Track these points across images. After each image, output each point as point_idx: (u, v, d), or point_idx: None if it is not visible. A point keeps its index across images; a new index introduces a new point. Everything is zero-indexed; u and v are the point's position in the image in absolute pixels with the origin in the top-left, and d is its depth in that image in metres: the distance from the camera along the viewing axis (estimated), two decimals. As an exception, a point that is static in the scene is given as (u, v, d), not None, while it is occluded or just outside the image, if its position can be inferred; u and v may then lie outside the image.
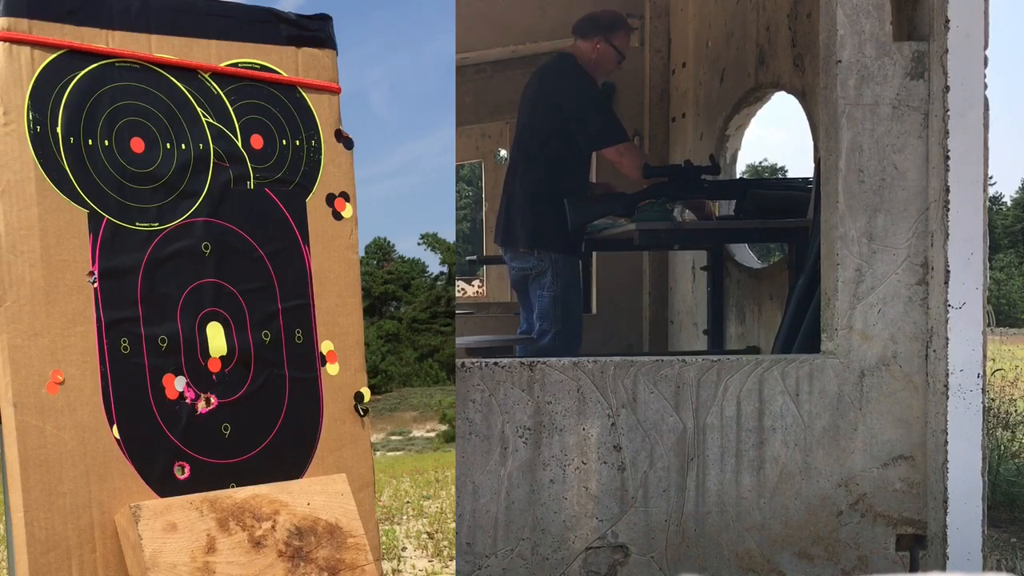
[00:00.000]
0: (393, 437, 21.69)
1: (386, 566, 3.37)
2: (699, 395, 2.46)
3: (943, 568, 2.41)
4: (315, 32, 2.07)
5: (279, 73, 2.02)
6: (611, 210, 4.02)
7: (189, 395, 1.83)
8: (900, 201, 2.50)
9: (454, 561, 2.76)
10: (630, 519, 2.46)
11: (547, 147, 4.01)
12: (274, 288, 1.97)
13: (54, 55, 1.74)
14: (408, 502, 5.10)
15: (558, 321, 4.00)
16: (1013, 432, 4.79)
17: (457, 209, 36.78)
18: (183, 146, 1.88)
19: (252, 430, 1.91)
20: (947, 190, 2.43)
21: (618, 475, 2.45)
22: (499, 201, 4.34)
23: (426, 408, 25.56)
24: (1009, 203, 41.25)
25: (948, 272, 2.42)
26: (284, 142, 2.02)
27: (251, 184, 1.96)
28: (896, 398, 2.50)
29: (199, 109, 1.91)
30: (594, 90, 4.03)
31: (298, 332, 1.99)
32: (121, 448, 1.74)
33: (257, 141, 1.98)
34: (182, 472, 1.81)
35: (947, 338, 2.42)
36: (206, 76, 1.93)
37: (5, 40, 1.69)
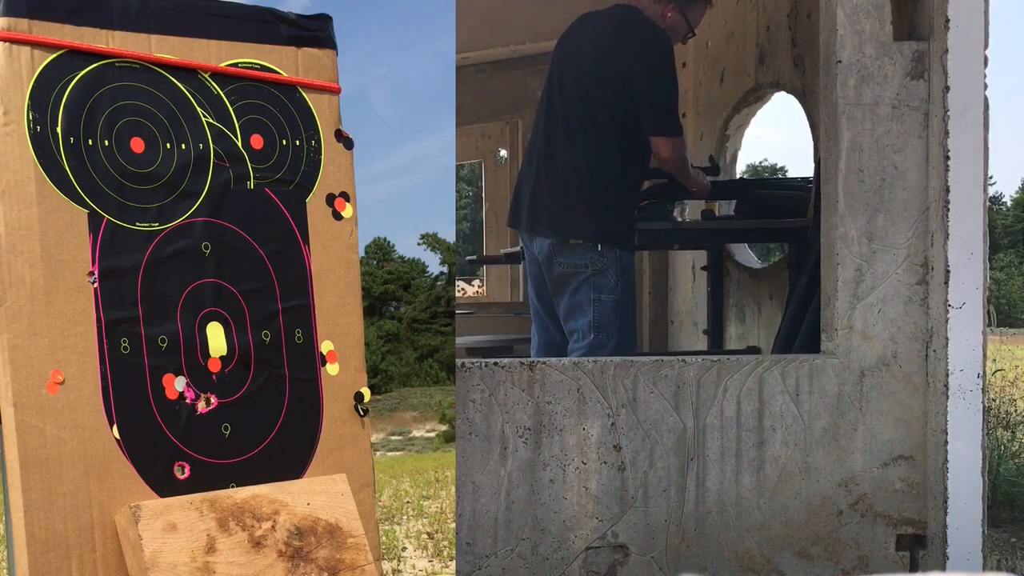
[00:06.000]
0: (393, 437, 21.70)
1: (386, 566, 3.37)
2: (699, 395, 2.46)
3: (943, 568, 2.41)
4: (315, 32, 2.07)
5: (279, 73, 2.02)
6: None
7: (189, 395, 1.83)
8: (900, 201, 2.50)
9: (454, 561, 2.76)
10: (630, 519, 2.46)
11: (617, 115, 3.25)
12: (274, 288, 1.97)
13: (54, 55, 1.74)
14: (408, 502, 5.10)
15: (617, 332, 3.27)
16: (1013, 432, 4.79)
17: (457, 209, 36.82)
18: (183, 146, 1.88)
19: (252, 430, 1.91)
20: (947, 190, 2.43)
21: (618, 475, 2.45)
22: (519, 175, 3.57)
23: (426, 408, 25.57)
24: (1009, 203, 41.27)
25: (948, 272, 2.42)
26: (284, 142, 2.02)
27: (251, 184, 1.96)
28: (896, 398, 2.50)
29: (199, 109, 1.91)
30: (671, 60, 3.32)
31: (298, 332, 1.99)
32: (121, 448, 1.74)
33: (257, 141, 1.98)
34: (182, 472, 1.81)
35: (947, 338, 2.42)
36: (206, 76, 1.93)
37: (5, 40, 1.69)
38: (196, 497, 1.78)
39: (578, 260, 3.26)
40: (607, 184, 3.28)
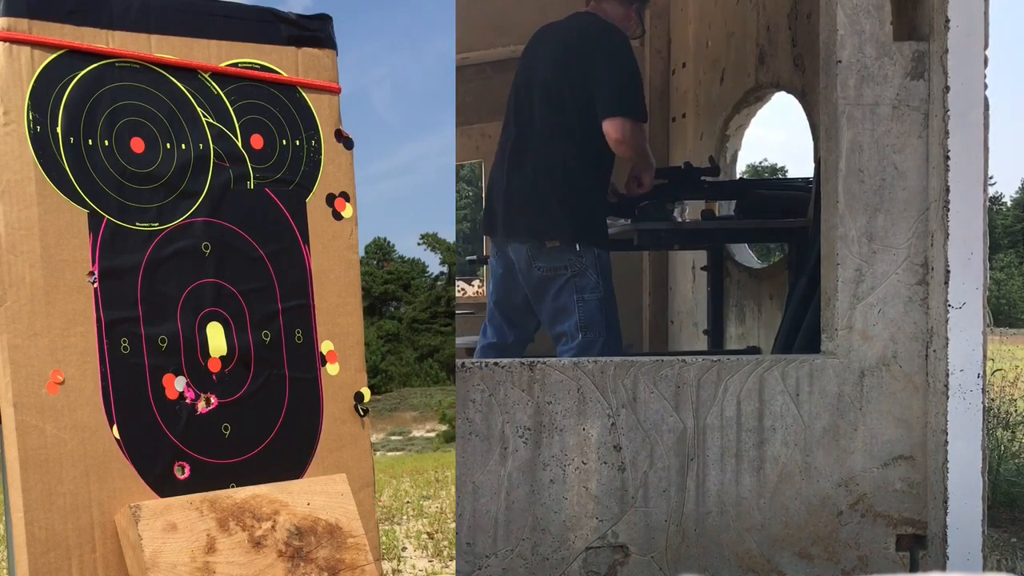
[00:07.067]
0: (393, 437, 21.72)
1: (386, 566, 3.37)
2: (699, 395, 2.46)
3: (943, 568, 2.41)
4: (315, 32, 2.07)
5: (279, 73, 2.02)
6: (611, 211, 3.99)
7: (189, 395, 1.83)
8: (900, 201, 2.50)
9: (454, 561, 2.76)
10: (630, 519, 2.46)
11: (584, 115, 3.31)
12: (274, 288, 1.97)
13: (54, 55, 1.74)
14: (408, 502, 5.10)
15: (604, 329, 3.30)
16: (1013, 432, 4.79)
17: (457, 209, 36.80)
18: (183, 146, 1.88)
19: (252, 430, 1.91)
20: (947, 190, 2.43)
21: (618, 475, 2.45)
22: (489, 184, 3.58)
23: (426, 408, 25.59)
24: (1009, 203, 41.27)
25: (948, 272, 2.42)
26: (284, 142, 2.02)
27: (251, 184, 1.96)
28: (896, 398, 2.50)
29: (199, 109, 1.91)
30: (627, 50, 3.39)
31: (298, 332, 1.99)
32: (121, 448, 1.74)
33: (257, 141, 1.98)
34: (182, 472, 1.81)
35: (947, 338, 2.42)
36: (206, 76, 1.93)
37: (5, 40, 1.69)
38: (196, 497, 1.78)
39: (557, 263, 3.30)
40: (579, 185, 3.32)
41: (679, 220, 4.41)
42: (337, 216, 2.07)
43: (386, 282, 36.07)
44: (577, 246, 3.28)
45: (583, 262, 3.28)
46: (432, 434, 21.87)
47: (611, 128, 3.26)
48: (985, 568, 2.53)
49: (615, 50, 3.34)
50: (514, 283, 3.47)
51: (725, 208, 4.47)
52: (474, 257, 15.99)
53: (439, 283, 36.44)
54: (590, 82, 3.30)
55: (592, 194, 3.38)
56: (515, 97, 3.50)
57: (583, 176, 3.34)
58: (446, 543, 3.75)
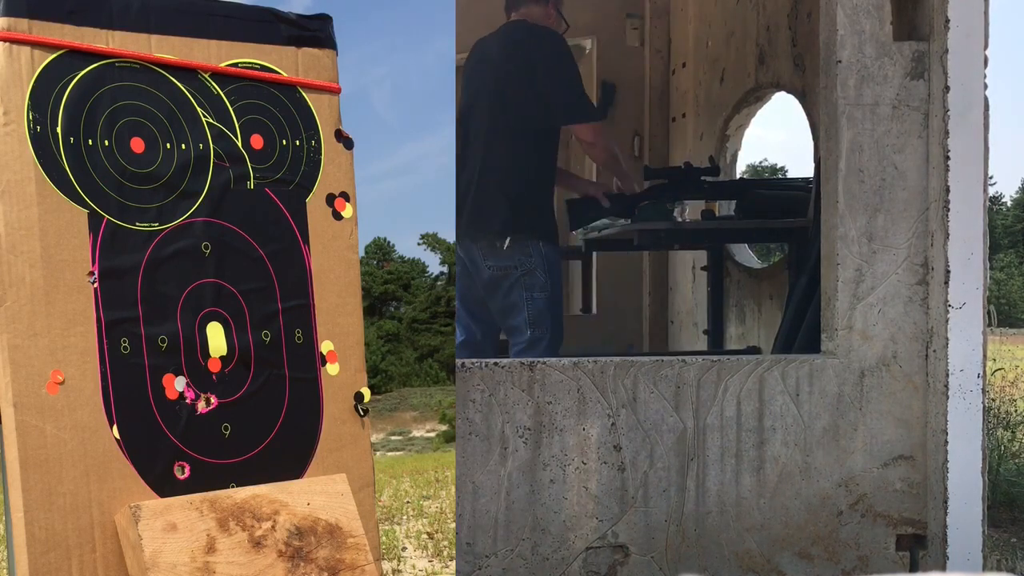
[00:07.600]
0: (393, 437, 21.73)
1: (386, 566, 3.37)
2: (699, 395, 2.46)
3: (943, 568, 2.41)
4: (315, 32, 2.07)
5: (279, 73, 2.02)
6: (611, 211, 4.00)
7: (189, 395, 1.83)
8: (900, 201, 2.50)
9: (454, 561, 2.76)
10: (630, 519, 2.46)
11: (528, 120, 3.45)
12: (274, 288, 1.97)
13: (54, 55, 1.74)
14: (408, 502, 5.09)
15: (550, 327, 3.46)
16: (1013, 432, 4.79)
17: (457, 209, 36.79)
18: (183, 146, 1.88)
19: (252, 430, 1.91)
20: (947, 190, 2.43)
21: (618, 475, 2.45)
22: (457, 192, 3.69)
23: (426, 408, 25.61)
24: (1009, 203, 41.29)
25: (948, 272, 2.43)
26: (284, 142, 2.02)
27: (251, 184, 1.96)
28: (896, 398, 2.50)
29: (199, 109, 1.91)
30: (567, 51, 3.55)
31: (298, 332, 1.99)
32: (121, 448, 1.74)
33: (257, 141, 1.98)
34: (182, 472, 1.81)
35: (947, 338, 2.42)
36: (206, 76, 1.93)
37: (5, 40, 1.69)
38: (196, 497, 1.78)
39: (506, 262, 3.44)
40: (523, 184, 3.46)
41: (679, 220, 4.41)
42: (337, 216, 2.08)
43: (386, 282, 36.10)
44: (526, 246, 3.42)
45: (532, 261, 3.42)
46: (432, 434, 21.89)
47: (587, 133, 3.47)
48: (985, 568, 2.53)
49: (558, 54, 3.47)
50: (471, 280, 3.59)
51: (725, 208, 4.47)
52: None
53: (439, 283, 36.47)
54: (540, 87, 3.42)
55: (535, 191, 3.49)
56: (464, 116, 3.65)
57: (527, 175, 3.46)
58: (446, 543, 3.75)
